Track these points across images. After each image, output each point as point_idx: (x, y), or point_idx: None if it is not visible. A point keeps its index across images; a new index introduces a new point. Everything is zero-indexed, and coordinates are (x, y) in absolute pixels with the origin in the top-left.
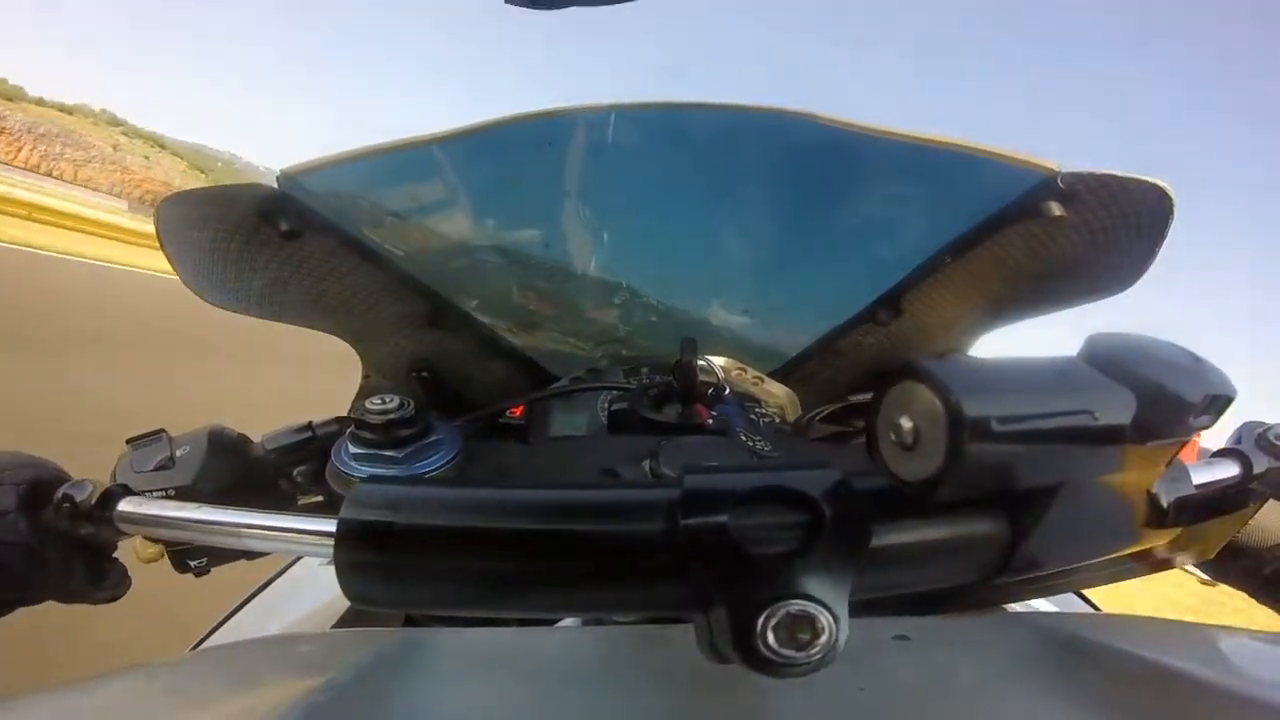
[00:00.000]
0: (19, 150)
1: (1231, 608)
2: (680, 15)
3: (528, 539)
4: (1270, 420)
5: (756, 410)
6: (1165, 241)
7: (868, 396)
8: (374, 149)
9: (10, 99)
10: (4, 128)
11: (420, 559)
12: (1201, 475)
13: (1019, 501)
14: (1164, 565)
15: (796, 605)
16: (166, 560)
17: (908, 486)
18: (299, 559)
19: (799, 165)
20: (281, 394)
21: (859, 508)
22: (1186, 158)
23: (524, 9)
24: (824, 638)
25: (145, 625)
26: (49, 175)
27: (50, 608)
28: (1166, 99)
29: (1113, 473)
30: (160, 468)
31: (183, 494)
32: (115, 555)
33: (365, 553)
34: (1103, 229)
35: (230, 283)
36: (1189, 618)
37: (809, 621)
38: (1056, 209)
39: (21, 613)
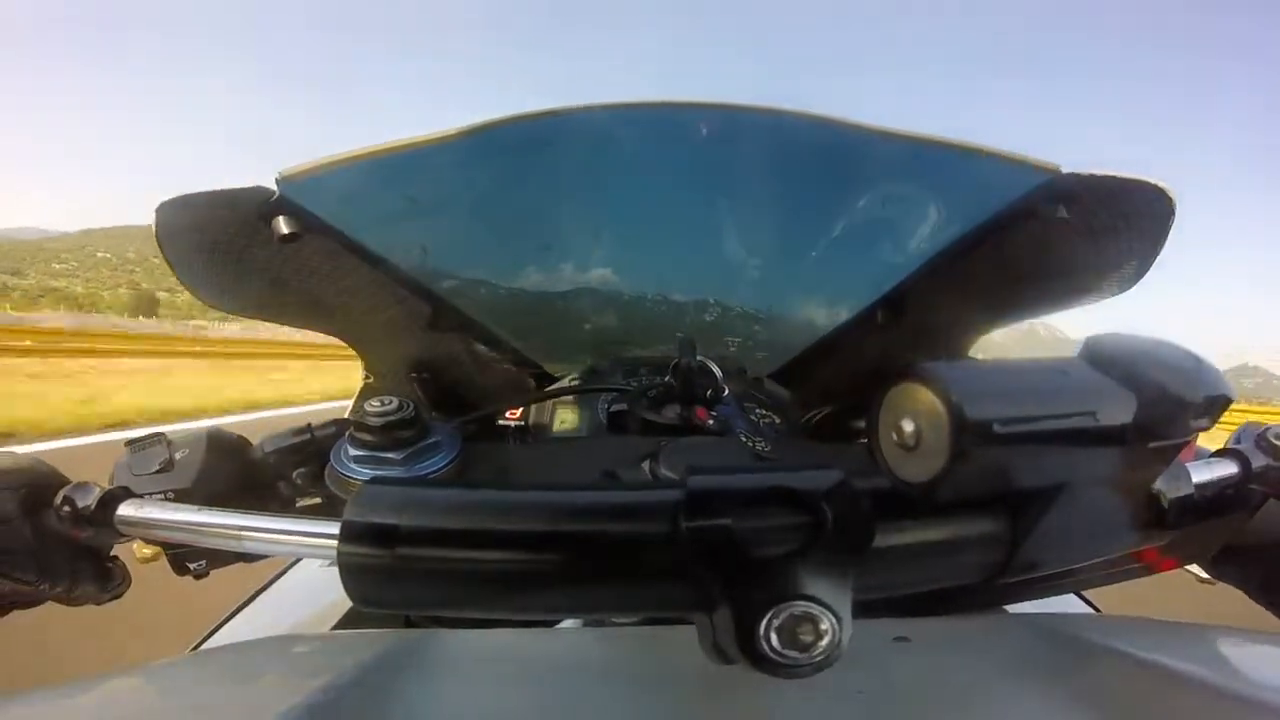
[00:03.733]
0: None
1: None
2: (682, 15)
3: (533, 540)
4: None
5: (756, 411)
6: (1166, 242)
7: (868, 397)
8: (372, 150)
9: None
10: None
11: (425, 560)
12: (1201, 475)
13: (1020, 502)
14: (1165, 565)
15: (800, 606)
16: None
17: (909, 487)
18: (299, 561)
19: (800, 165)
20: None
21: (861, 509)
22: (1187, 157)
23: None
24: (827, 639)
25: None
26: None
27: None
28: (1168, 98)
29: (1113, 473)
30: (159, 470)
31: (182, 496)
32: (114, 554)
33: (370, 554)
34: (1104, 230)
35: (230, 285)
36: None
37: (812, 622)
38: (1058, 210)
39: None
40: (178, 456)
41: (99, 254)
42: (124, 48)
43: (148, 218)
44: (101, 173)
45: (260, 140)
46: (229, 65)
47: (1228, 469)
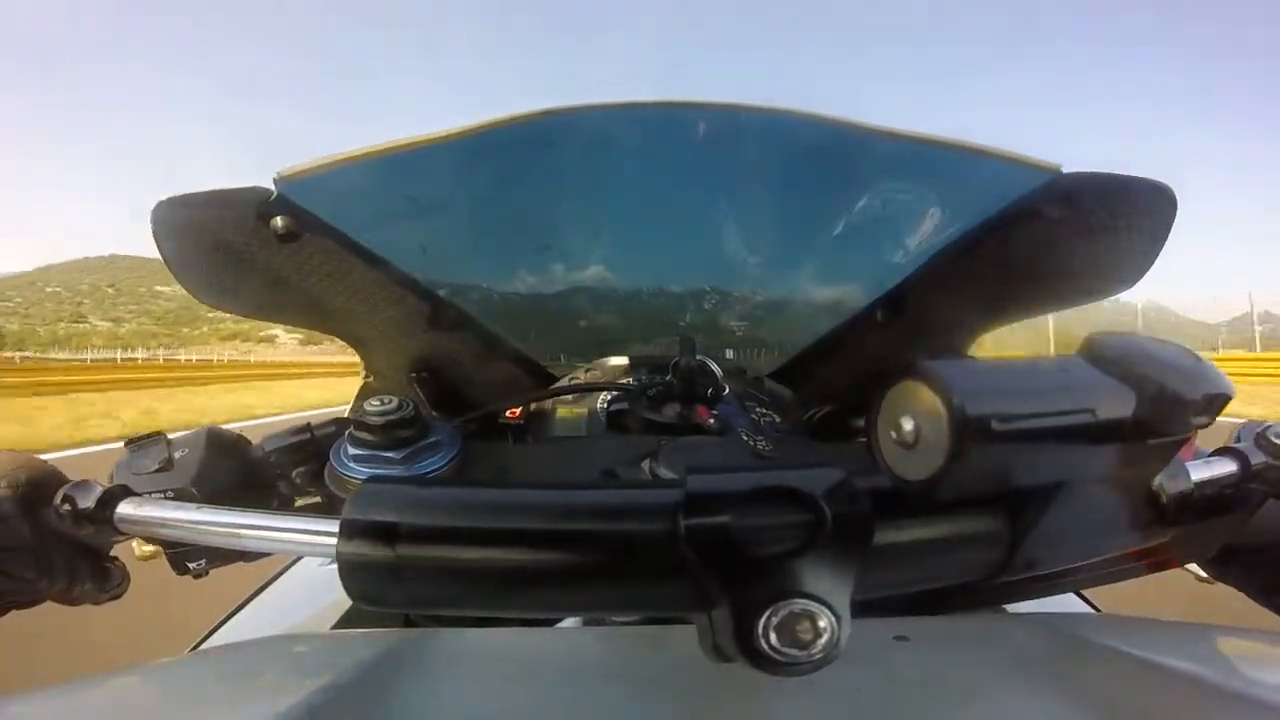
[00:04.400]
0: None
1: None
2: (682, 15)
3: (533, 539)
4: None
5: (757, 410)
6: (1167, 241)
7: (868, 396)
8: (371, 150)
9: None
10: None
11: (425, 559)
12: (1200, 473)
13: (1019, 501)
14: (1164, 565)
15: (799, 604)
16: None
17: (909, 486)
18: (298, 560)
19: (801, 165)
20: None
21: (861, 507)
22: (1187, 155)
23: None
24: (826, 636)
25: None
26: None
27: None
28: (1169, 97)
29: (1113, 471)
30: (159, 469)
31: (181, 495)
32: (113, 554)
33: (369, 552)
34: (1105, 229)
35: (228, 284)
36: None
37: (811, 620)
38: (1058, 209)
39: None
40: (177, 456)
41: (48, 289)
42: (92, 66)
43: (107, 247)
44: (60, 207)
45: (249, 148)
46: (214, 70)
47: (1227, 467)
